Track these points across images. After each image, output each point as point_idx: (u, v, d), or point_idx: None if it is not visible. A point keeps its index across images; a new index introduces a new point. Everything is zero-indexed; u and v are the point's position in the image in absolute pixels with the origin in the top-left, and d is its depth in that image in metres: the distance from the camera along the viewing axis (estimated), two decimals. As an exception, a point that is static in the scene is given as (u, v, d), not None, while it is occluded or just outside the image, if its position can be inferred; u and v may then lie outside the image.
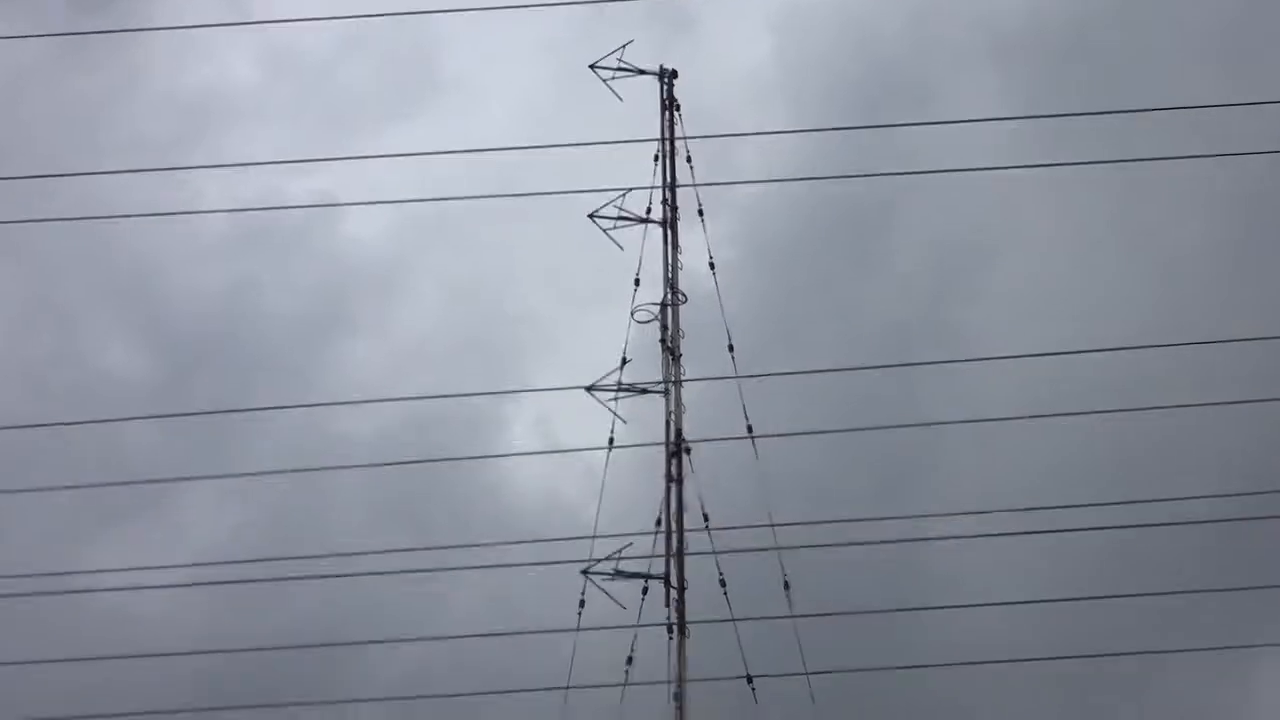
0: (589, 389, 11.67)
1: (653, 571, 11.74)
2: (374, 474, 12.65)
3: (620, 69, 11.67)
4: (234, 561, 12.23)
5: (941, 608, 11.91)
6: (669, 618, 11.76)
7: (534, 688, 11.78)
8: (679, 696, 11.78)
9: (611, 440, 11.86)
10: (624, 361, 11.65)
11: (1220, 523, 11.25)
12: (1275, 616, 12.88)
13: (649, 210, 11.78)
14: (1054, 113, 13.27)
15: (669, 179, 11.89)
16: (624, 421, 11.77)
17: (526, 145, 12.13)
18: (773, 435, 11.87)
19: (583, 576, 11.68)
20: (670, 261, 11.96)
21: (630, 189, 11.65)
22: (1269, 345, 11.10)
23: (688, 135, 11.89)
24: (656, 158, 11.89)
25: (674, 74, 11.96)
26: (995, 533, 11.76)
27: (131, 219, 12.83)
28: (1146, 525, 10.68)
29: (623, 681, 11.77)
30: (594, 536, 11.55)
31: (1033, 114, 13.87)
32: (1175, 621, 12.16)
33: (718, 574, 11.73)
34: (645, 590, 11.75)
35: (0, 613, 11.50)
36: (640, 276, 11.77)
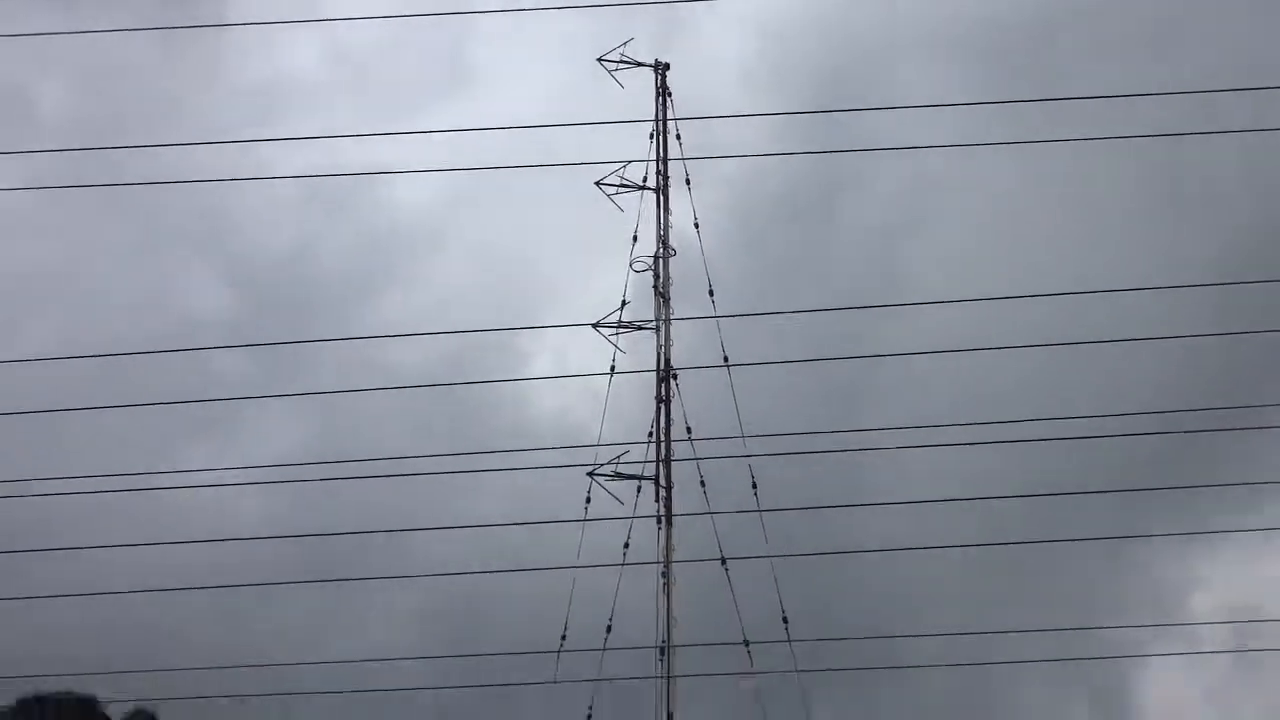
0: (595, 325, 14.29)
1: (645, 474, 14.50)
2: (417, 395, 15.31)
3: (622, 62, 14.07)
4: (301, 463, 14.99)
5: (881, 503, 14.66)
6: (658, 511, 14.54)
7: (549, 566, 14.53)
8: (665, 575, 14.62)
9: (613, 368, 14.52)
10: (623, 304, 14.25)
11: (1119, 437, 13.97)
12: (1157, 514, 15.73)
13: (645, 179, 14.26)
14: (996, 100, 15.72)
15: (662, 153, 14.34)
16: (623, 352, 14.40)
17: (544, 125, 14.49)
18: (745, 364, 14.51)
19: (589, 478, 14.43)
20: (662, 221, 14.50)
21: (629, 162, 14.12)
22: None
23: (678, 117, 14.34)
24: (651, 136, 14.34)
25: (667, 66, 14.35)
26: (926, 444, 14.50)
27: (220, 184, 15.27)
28: (1037, 440, 13.40)
29: (620, 562, 14.57)
30: (598, 445, 14.26)
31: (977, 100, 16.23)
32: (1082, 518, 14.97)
33: (699, 476, 14.47)
34: (639, 489, 14.51)
35: (118, 504, 14.26)
36: (637, 234, 14.30)
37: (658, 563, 14.79)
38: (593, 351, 14.63)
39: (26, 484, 13.82)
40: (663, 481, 14.47)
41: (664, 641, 14.54)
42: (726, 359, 14.29)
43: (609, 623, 14.42)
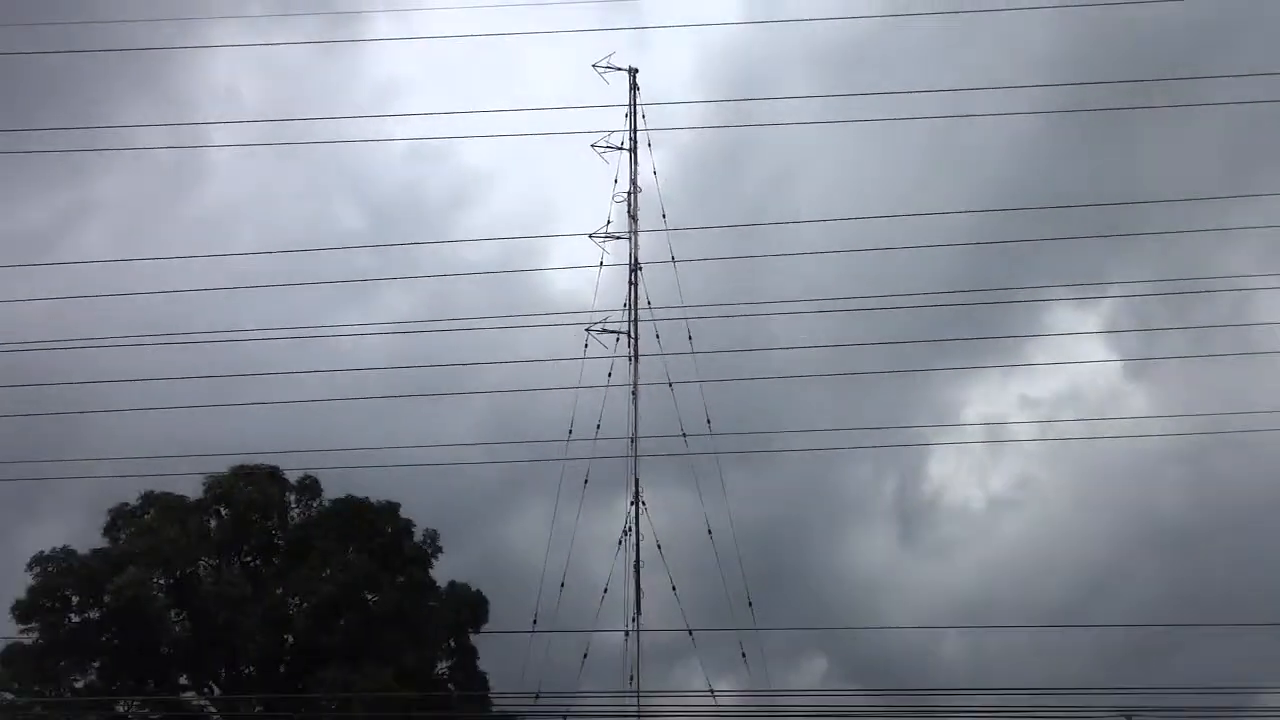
0: (590, 235, 22.88)
1: (622, 329, 23.28)
2: (482, 281, 24.33)
3: (608, 67, 22.30)
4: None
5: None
6: (630, 351, 23.35)
7: (562, 386, 23.41)
8: (634, 394, 23.51)
9: (601, 262, 23.14)
10: (608, 221, 22.80)
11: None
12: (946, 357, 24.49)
13: (622, 144, 22.63)
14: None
15: (632, 126, 22.71)
16: (607, 252, 23.01)
17: (552, 106, 22.87)
18: (688, 260, 23.05)
19: (586, 332, 23.22)
20: (632, 168, 22.94)
21: (612, 131, 22.49)
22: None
23: (643, 102, 22.65)
24: (626, 115, 22.68)
25: (636, 70, 22.59)
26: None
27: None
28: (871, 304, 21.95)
29: (606, 384, 23.51)
30: (592, 310, 22.96)
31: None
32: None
33: (655, 332, 23.21)
34: (618, 339, 23.28)
35: (298, 346, 23.34)
36: (617, 178, 22.78)
37: (629, 385, 23.77)
38: (591, 253, 23.35)
39: (245, 331, 22.98)
40: (632, 333, 23.32)
41: (633, 435, 23.59)
42: (674, 257, 22.92)
43: (598, 424, 23.51)
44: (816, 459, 26.56)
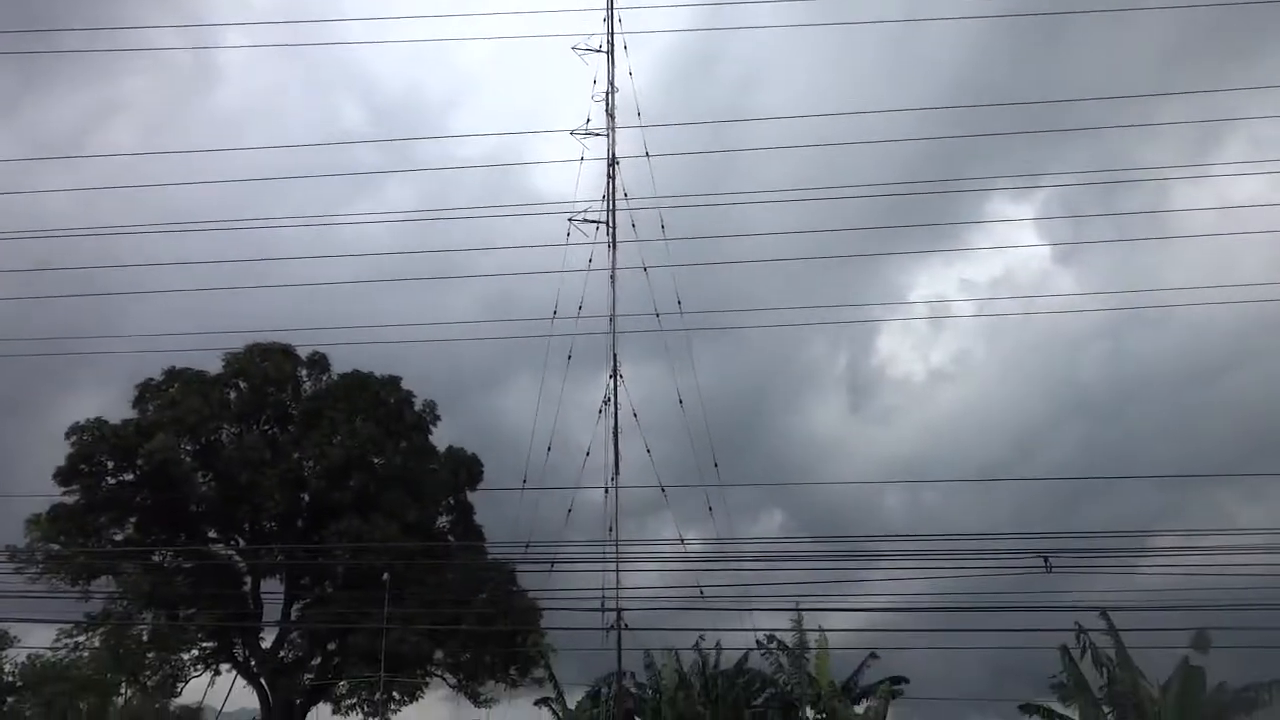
0: (571, 132, 24.84)
1: (601, 219, 25.50)
2: (478, 173, 26.22)
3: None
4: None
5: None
6: (609, 237, 25.64)
7: (554, 271, 25.79)
8: (613, 279, 25.93)
9: (583, 157, 25.17)
10: (588, 119, 24.75)
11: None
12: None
13: (600, 47, 24.39)
14: None
15: (610, 30, 24.44)
16: (587, 148, 25.02)
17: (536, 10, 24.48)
18: (665, 155, 25.14)
19: (568, 221, 25.44)
20: (610, 70, 24.75)
21: (592, 34, 24.23)
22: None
23: (622, 7, 24.33)
24: (604, 19, 24.38)
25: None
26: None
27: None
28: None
29: (587, 269, 25.89)
30: (574, 202, 25.13)
31: None
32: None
33: (630, 220, 25.46)
34: (597, 227, 25.53)
35: (285, 239, 25.48)
36: (596, 79, 24.62)
37: (608, 270, 26.16)
38: (573, 149, 25.38)
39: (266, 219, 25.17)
40: (611, 223, 25.56)
41: (612, 315, 26.12)
42: (647, 152, 24.98)
43: (580, 305, 25.99)
44: (777, 336, 29.66)
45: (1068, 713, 15.85)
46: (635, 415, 27.04)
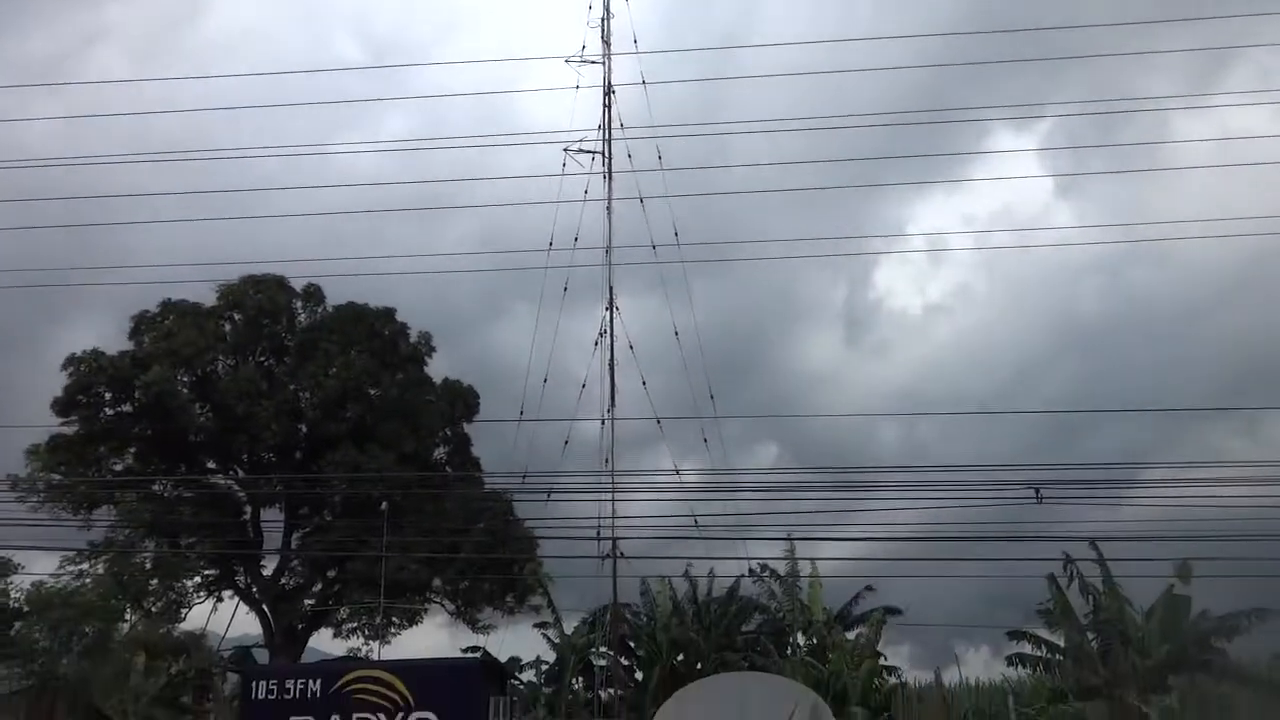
0: (567, 60, 24.43)
1: (596, 150, 25.21)
2: (470, 101, 25.83)
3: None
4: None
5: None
6: (605, 168, 25.41)
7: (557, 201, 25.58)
8: (609, 210, 25.75)
9: (578, 86, 24.79)
10: (583, 46, 24.31)
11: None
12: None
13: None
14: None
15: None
16: (582, 76, 24.63)
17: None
18: (657, 82, 24.77)
19: (564, 151, 25.16)
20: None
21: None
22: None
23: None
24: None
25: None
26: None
27: None
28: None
29: (583, 199, 25.69)
30: (569, 132, 24.84)
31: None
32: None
33: (627, 151, 25.19)
34: (593, 158, 25.26)
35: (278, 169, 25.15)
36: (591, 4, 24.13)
37: (604, 200, 25.97)
38: (568, 77, 24.98)
39: (252, 149, 24.77)
40: (606, 153, 25.30)
41: (608, 246, 26.01)
42: (644, 81, 24.61)
43: (576, 236, 25.85)
44: (775, 268, 29.45)
45: (1053, 639, 16.19)
46: (631, 348, 27.13)
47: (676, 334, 28.05)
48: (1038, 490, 18.04)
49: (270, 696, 16.03)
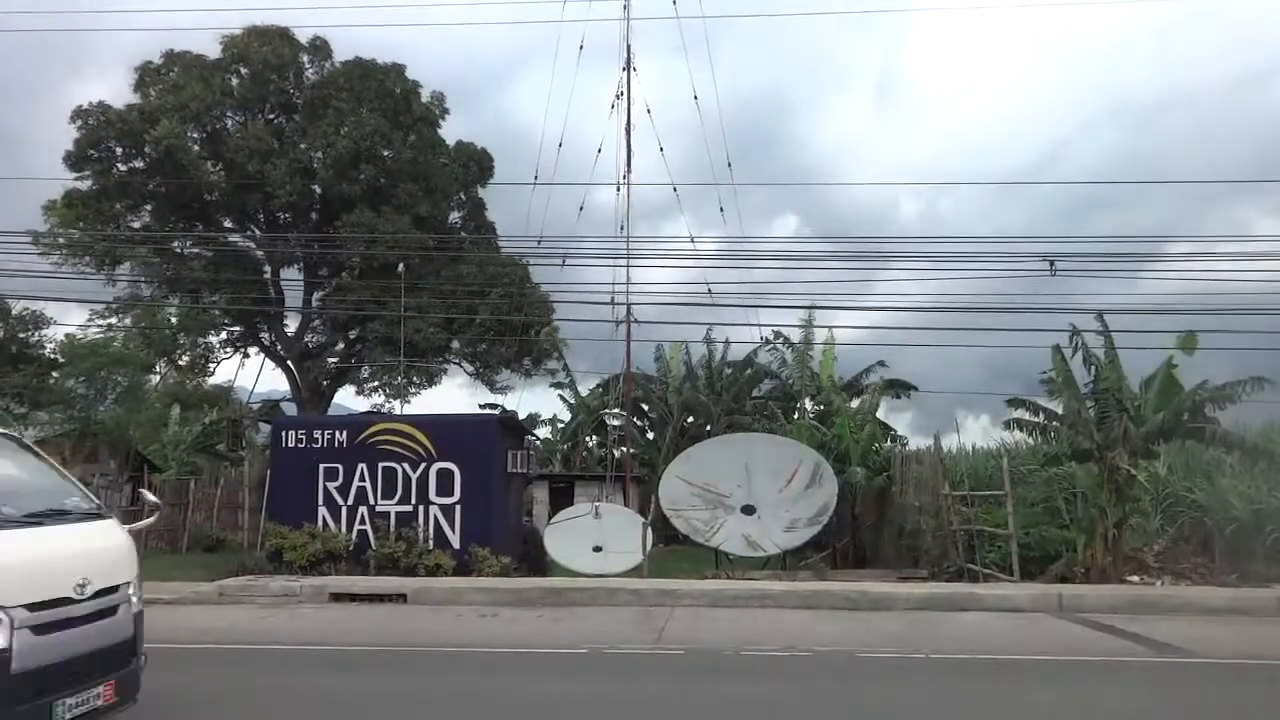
0: None
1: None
2: None
3: None
4: None
5: None
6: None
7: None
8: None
9: None
10: None
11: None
12: None
13: None
14: None
15: None
16: None
17: None
18: None
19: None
20: None
21: None
22: None
23: None
24: None
25: None
26: None
27: None
28: None
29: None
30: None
31: None
32: None
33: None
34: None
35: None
36: None
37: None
38: None
39: None
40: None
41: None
42: None
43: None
44: (805, 27, 27.79)
45: (1052, 406, 16.60)
46: (649, 111, 26.43)
47: (695, 97, 27.23)
48: (1051, 262, 18.38)
49: (299, 445, 16.78)
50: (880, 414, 24.74)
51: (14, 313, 34.87)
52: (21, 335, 35.10)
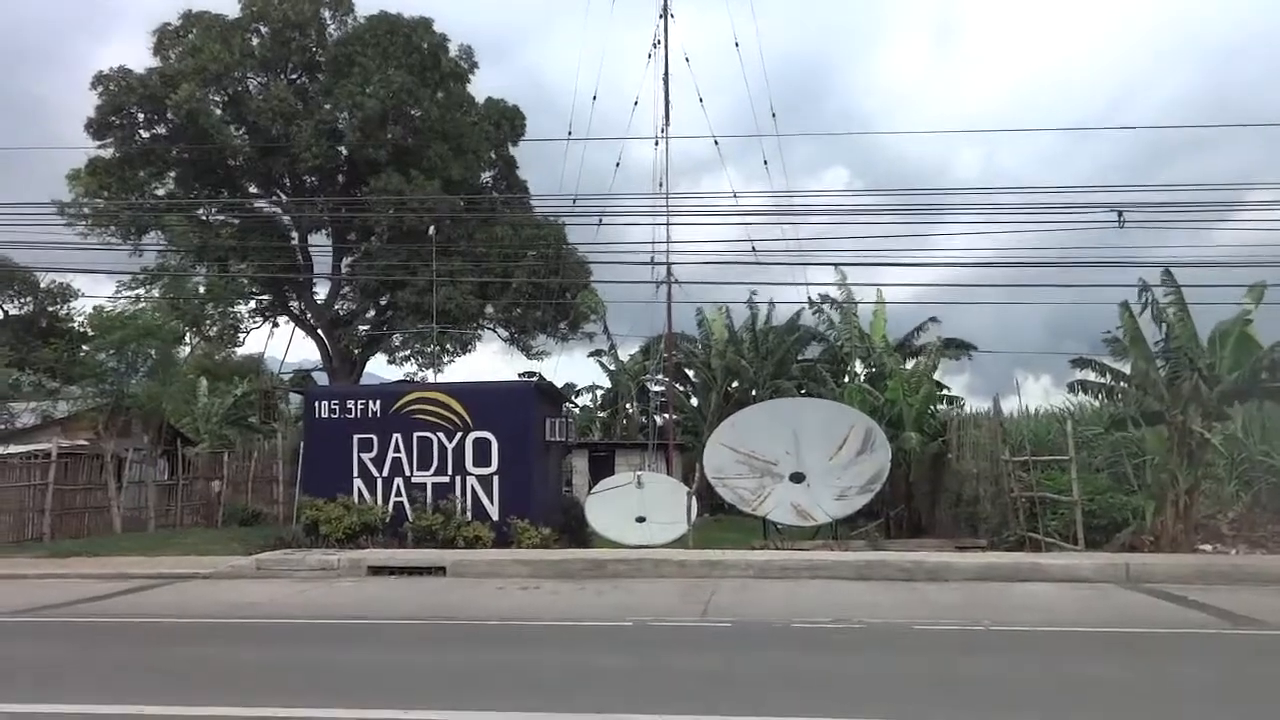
0: None
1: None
2: None
3: None
4: None
5: None
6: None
7: None
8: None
9: None
10: None
11: None
12: None
13: None
14: None
15: None
16: None
17: None
18: None
19: None
20: None
21: None
22: None
23: None
24: None
25: None
26: None
27: None
28: None
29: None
30: None
31: None
32: None
33: None
34: None
35: None
36: None
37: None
38: None
39: None
40: None
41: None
42: None
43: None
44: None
45: (1119, 366, 15.71)
46: (687, 60, 25.46)
47: (737, 45, 26.10)
48: (1120, 213, 17.08)
49: (333, 416, 16.32)
50: (936, 376, 23.84)
51: (43, 286, 34.73)
52: (50, 309, 34.94)
